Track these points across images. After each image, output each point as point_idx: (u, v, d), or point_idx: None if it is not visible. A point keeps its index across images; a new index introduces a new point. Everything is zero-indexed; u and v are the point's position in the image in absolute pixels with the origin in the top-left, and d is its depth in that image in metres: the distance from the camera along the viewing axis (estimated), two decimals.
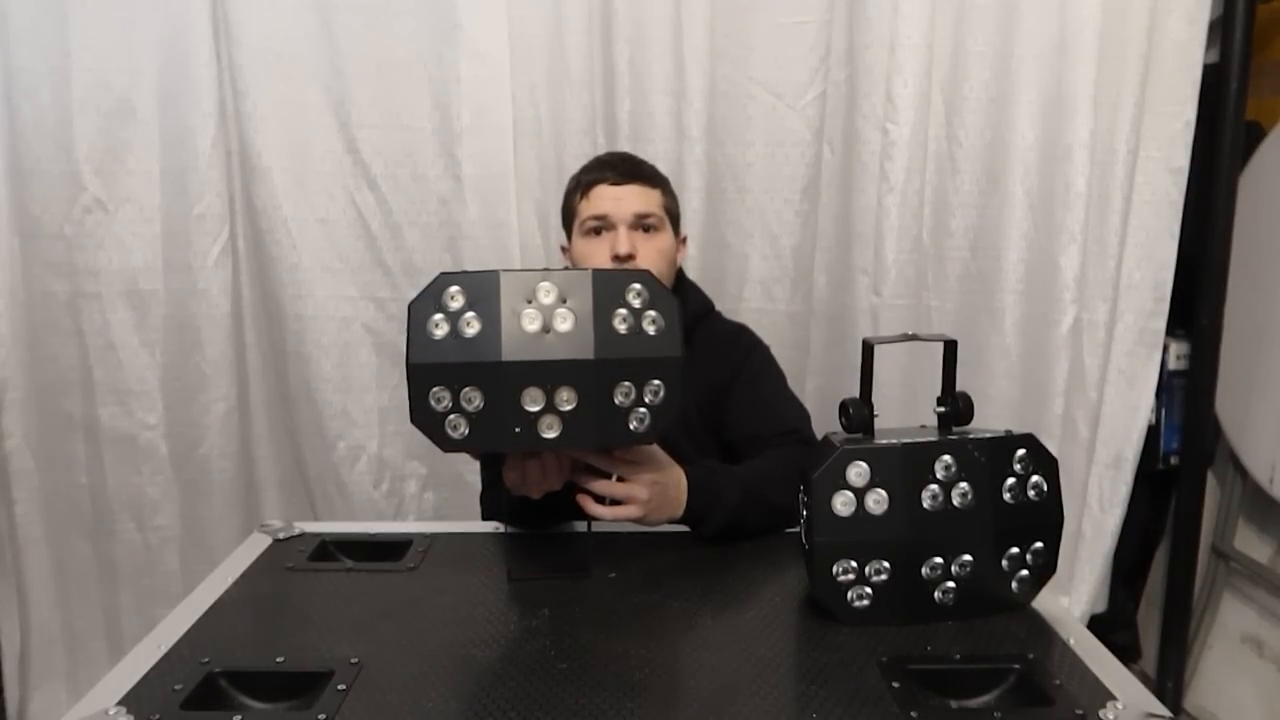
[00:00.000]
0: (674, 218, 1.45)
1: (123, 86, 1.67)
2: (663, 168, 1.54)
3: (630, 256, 1.33)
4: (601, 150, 1.79)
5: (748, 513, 1.21)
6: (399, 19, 1.71)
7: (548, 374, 0.98)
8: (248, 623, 0.98)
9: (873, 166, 1.77)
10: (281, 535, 1.21)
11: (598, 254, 1.36)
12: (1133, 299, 1.84)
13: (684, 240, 1.49)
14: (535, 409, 0.98)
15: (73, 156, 1.68)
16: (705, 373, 1.39)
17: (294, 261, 1.76)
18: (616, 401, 1.00)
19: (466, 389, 0.98)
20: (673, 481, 1.17)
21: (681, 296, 1.44)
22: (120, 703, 0.82)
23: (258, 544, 1.19)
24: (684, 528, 1.23)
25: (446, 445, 0.99)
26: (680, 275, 1.49)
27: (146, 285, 1.75)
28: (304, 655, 0.91)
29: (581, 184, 1.41)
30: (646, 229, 1.37)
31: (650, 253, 1.36)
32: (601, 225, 1.37)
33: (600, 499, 1.12)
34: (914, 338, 1.07)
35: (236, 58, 1.68)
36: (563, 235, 1.82)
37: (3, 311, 1.68)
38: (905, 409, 1.88)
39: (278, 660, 0.89)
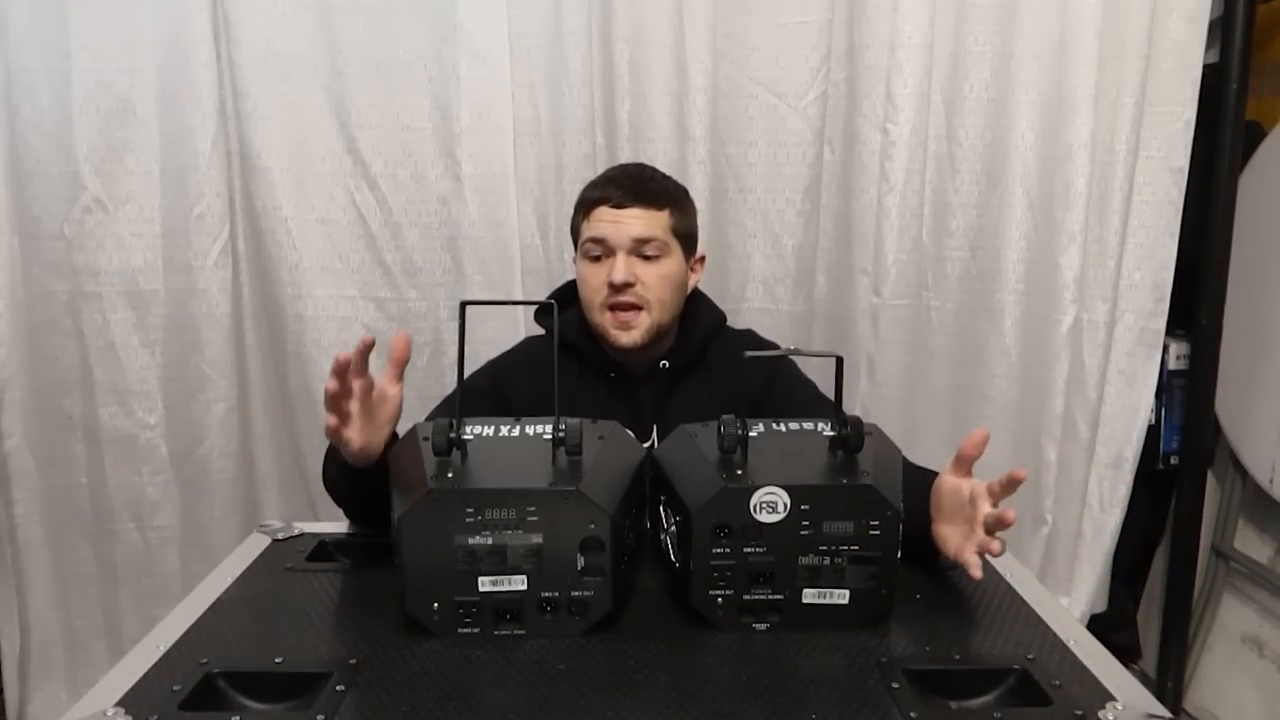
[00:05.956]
0: (685, 238, 1.36)
1: (123, 86, 1.67)
2: (664, 168, 1.53)
3: (628, 285, 1.29)
4: (601, 151, 1.79)
5: None
6: (399, 19, 1.71)
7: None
8: (246, 623, 0.98)
9: (873, 166, 1.77)
10: (281, 535, 1.20)
11: (595, 280, 1.32)
12: (1133, 299, 1.84)
13: (701, 259, 1.42)
14: None
15: (73, 156, 1.68)
16: (728, 385, 1.35)
17: (294, 261, 1.76)
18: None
19: None
20: None
21: (694, 313, 1.40)
22: (118, 704, 0.82)
23: (257, 544, 1.19)
24: None
25: None
26: (694, 292, 1.42)
27: (146, 285, 1.75)
28: (303, 656, 0.91)
29: (584, 202, 1.35)
30: (646, 256, 1.31)
31: (651, 279, 1.31)
32: (600, 250, 1.32)
33: None
34: (797, 352, 1.03)
35: (236, 58, 1.68)
36: (562, 233, 1.82)
37: (3, 311, 1.68)
38: (905, 409, 1.89)
39: (276, 661, 0.89)
